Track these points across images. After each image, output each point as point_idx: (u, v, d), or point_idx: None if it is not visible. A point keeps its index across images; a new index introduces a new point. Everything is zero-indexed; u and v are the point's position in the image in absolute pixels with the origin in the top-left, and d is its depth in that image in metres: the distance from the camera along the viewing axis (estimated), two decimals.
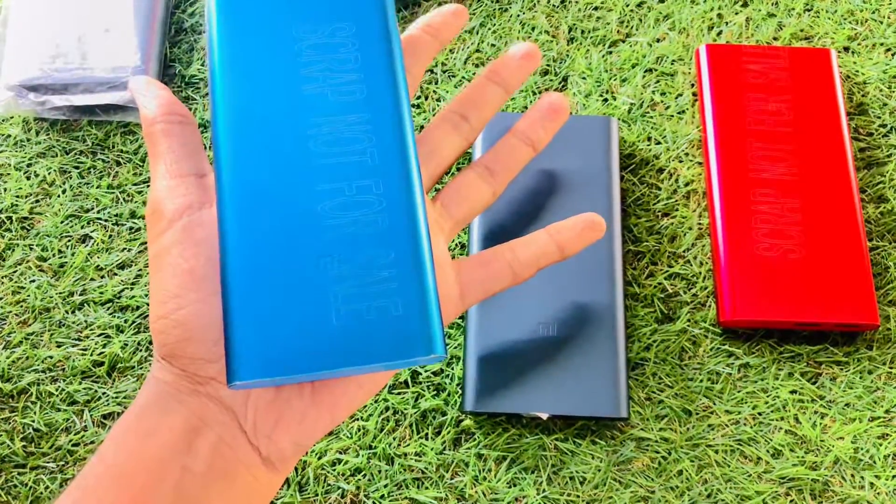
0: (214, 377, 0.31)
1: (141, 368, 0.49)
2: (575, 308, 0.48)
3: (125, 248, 0.52)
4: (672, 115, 0.57)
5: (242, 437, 0.31)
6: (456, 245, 0.53)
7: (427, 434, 0.48)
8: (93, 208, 0.53)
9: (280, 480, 0.33)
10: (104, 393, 0.48)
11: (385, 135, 0.32)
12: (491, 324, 0.48)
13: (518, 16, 0.60)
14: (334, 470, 0.47)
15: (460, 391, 0.48)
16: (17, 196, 0.54)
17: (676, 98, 0.57)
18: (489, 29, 0.59)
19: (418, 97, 0.57)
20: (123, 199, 0.54)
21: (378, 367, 0.29)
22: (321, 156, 0.31)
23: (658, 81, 0.58)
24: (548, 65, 0.58)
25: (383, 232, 0.30)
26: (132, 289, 0.51)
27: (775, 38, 0.59)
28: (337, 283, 0.29)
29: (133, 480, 0.29)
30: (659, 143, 0.56)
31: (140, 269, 0.52)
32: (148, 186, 0.54)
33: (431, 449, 0.47)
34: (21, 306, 0.51)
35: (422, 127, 0.56)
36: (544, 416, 0.46)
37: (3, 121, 0.56)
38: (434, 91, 0.57)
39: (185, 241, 0.31)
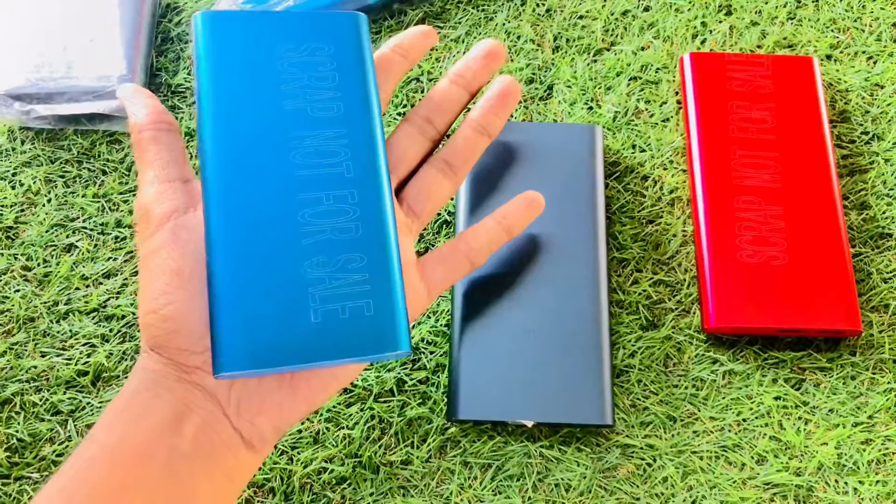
0: (200, 367, 0.33)
1: (126, 377, 0.49)
2: (560, 315, 0.49)
3: (111, 258, 0.52)
4: (656, 123, 0.57)
5: (226, 421, 0.33)
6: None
7: (413, 442, 0.48)
8: (78, 217, 0.53)
9: (260, 460, 0.35)
10: (88, 403, 0.48)
11: (360, 149, 0.34)
12: (476, 332, 0.48)
13: (503, 24, 0.60)
14: (320, 479, 0.47)
15: (446, 399, 0.48)
16: (2, 206, 0.54)
17: (661, 106, 0.58)
18: (474, 37, 0.60)
19: (403, 105, 0.57)
20: (109, 208, 0.54)
21: (351, 361, 0.32)
22: (302, 167, 0.33)
23: (642, 89, 0.58)
24: (533, 73, 0.58)
25: (357, 239, 0.33)
26: (117, 298, 0.51)
27: (759, 46, 0.60)
28: (315, 285, 0.32)
29: (124, 459, 0.31)
30: (643, 150, 0.56)
31: (126, 278, 0.51)
32: (134, 195, 0.54)
33: (417, 457, 0.47)
34: (5, 316, 0.50)
35: None
36: (529, 424, 0.46)
37: None
38: (420, 99, 0.57)
39: (172, 243, 0.33)
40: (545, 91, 0.58)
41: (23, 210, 0.54)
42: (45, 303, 0.51)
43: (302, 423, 0.48)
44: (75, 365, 0.49)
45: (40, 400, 0.48)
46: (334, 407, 0.48)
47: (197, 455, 0.32)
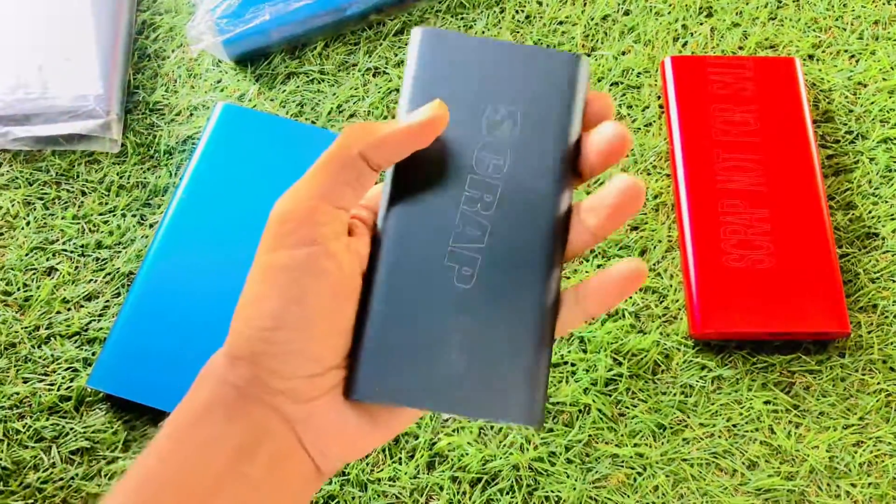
0: (284, 392, 0.32)
1: (108, 401, 0.48)
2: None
3: (92, 280, 0.52)
4: (639, 128, 0.57)
5: (301, 450, 0.32)
6: None
7: (400, 458, 0.47)
8: (58, 240, 0.53)
9: (322, 483, 0.35)
10: (72, 428, 0.47)
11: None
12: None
13: (483, 32, 0.60)
14: None
15: (433, 414, 0.48)
16: None
17: (643, 111, 0.57)
18: None
19: (384, 116, 0.57)
20: (89, 229, 0.53)
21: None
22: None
23: (624, 94, 0.58)
24: None
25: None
26: (99, 321, 0.50)
27: (741, 48, 0.60)
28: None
29: (191, 487, 0.30)
30: (627, 156, 0.56)
31: (107, 300, 0.51)
32: (113, 216, 0.53)
33: (405, 473, 0.47)
34: None
35: None
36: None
37: None
38: None
39: (310, 269, 0.32)
40: None
41: (1, 234, 0.53)
42: (26, 328, 0.50)
43: None
44: (58, 390, 0.48)
45: (23, 427, 0.48)
46: None
47: (268, 485, 0.31)
